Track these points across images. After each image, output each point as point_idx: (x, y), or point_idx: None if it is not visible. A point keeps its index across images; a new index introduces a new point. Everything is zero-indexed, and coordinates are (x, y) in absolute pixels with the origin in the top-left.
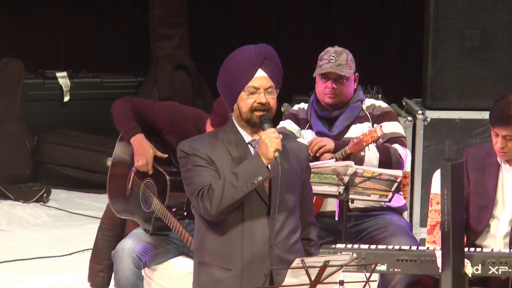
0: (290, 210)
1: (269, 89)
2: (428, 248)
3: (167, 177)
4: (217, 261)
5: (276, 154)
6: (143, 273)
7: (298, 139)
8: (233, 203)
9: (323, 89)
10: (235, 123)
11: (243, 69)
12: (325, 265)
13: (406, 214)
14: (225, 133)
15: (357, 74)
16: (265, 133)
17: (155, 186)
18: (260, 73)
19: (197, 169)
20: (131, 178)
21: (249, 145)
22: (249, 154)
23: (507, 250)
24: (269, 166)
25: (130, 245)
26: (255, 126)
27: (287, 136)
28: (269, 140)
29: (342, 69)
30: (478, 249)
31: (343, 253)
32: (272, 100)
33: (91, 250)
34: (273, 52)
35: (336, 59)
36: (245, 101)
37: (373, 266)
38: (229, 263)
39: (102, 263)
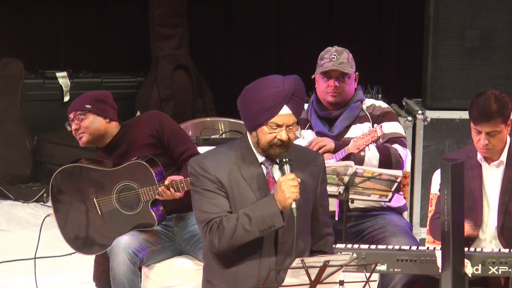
0: (299, 233)
1: (291, 126)
2: (428, 248)
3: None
4: (223, 283)
5: (293, 205)
6: (140, 270)
7: (299, 139)
8: (243, 243)
9: (325, 88)
10: (250, 142)
11: (268, 104)
12: (325, 265)
13: (406, 214)
14: (238, 151)
15: (357, 73)
16: (284, 180)
17: (133, 181)
18: (285, 110)
19: (206, 194)
20: (96, 205)
21: (262, 165)
22: (262, 174)
23: (507, 250)
24: (283, 212)
25: (126, 241)
26: (271, 158)
27: (300, 147)
28: (288, 190)
29: (345, 67)
30: (478, 249)
31: (343, 253)
32: (292, 135)
33: None
34: (301, 85)
35: (337, 58)
36: (266, 135)
37: (373, 266)
38: (234, 286)
39: (104, 263)
